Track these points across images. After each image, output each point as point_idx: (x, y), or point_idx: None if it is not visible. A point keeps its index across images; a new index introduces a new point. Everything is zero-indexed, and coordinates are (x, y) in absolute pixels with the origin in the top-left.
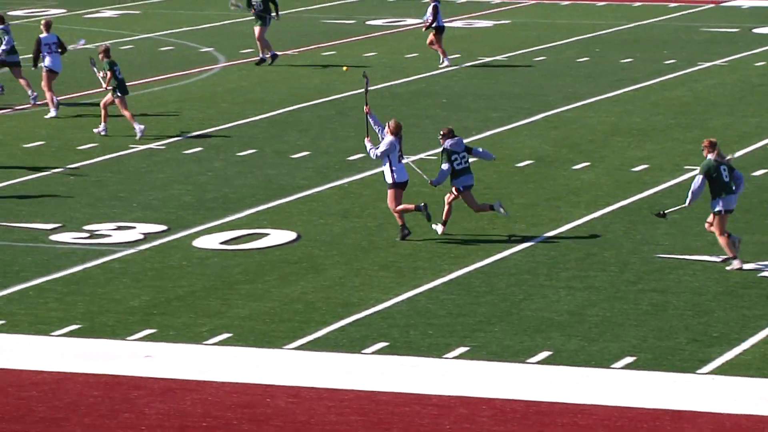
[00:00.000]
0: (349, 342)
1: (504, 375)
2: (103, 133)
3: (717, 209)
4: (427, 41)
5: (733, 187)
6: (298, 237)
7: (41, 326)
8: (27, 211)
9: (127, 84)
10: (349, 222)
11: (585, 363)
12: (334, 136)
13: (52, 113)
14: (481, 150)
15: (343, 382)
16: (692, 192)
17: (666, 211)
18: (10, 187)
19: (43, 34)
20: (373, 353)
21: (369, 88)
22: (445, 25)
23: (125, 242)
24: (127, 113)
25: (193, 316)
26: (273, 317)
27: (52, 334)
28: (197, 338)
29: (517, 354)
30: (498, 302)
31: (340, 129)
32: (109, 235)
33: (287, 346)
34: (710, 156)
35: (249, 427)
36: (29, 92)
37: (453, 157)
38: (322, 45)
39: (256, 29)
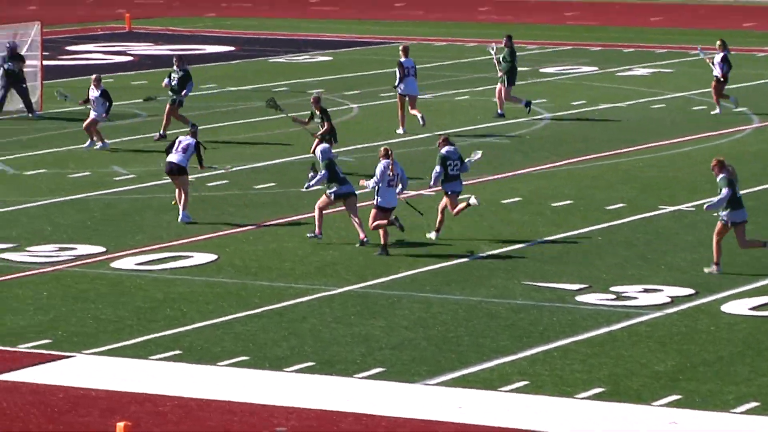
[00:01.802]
0: None
1: None
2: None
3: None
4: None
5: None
6: None
7: (565, 388)
8: (553, 271)
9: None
10: None
11: None
12: None
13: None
14: (468, 164)
15: None
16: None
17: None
18: (537, 246)
19: (402, 59)
20: None
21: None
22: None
23: (652, 305)
24: None
25: (720, 383)
26: None
27: (576, 396)
28: (723, 406)
29: None
30: None
31: None
32: (636, 297)
33: None
34: (723, 174)
35: None
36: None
37: (448, 163)
38: None
39: None
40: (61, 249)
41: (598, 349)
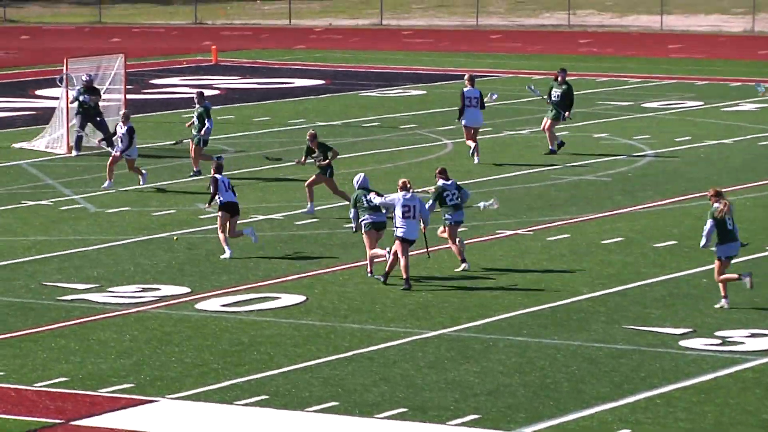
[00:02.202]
0: None
1: None
2: None
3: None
4: None
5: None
6: None
7: None
8: (656, 314)
9: None
10: None
11: None
12: None
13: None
14: (469, 192)
15: None
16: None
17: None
18: (639, 288)
19: (467, 88)
20: None
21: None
22: None
23: (760, 350)
24: None
25: None
26: None
27: None
28: None
29: None
30: None
31: None
32: (742, 343)
33: None
34: (717, 204)
35: None
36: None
37: (445, 194)
38: None
39: None
40: (144, 290)
41: (703, 397)
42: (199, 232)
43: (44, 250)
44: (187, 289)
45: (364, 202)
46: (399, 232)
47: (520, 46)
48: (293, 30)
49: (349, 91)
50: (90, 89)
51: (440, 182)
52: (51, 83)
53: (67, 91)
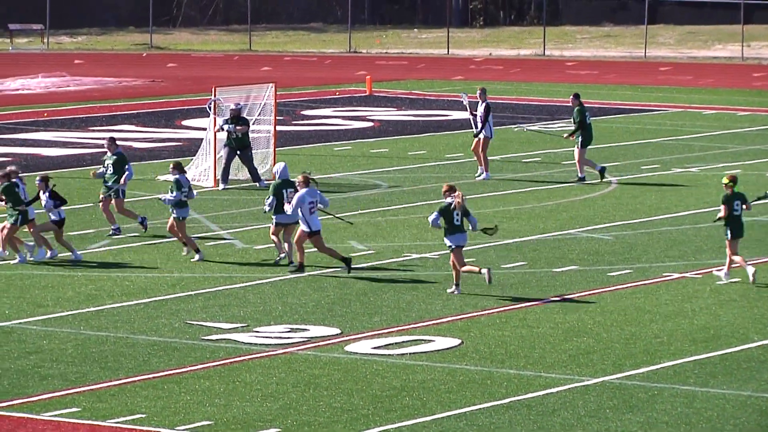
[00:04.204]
0: None
1: None
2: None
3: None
4: None
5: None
6: None
7: None
8: None
9: None
10: None
11: None
12: None
13: None
14: (474, 219)
15: None
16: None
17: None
18: None
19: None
20: None
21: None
22: None
23: None
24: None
25: None
26: None
27: None
28: None
29: None
30: None
31: None
32: None
33: None
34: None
35: None
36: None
37: (455, 213)
38: None
39: None
40: (292, 330)
41: None
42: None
43: (189, 287)
44: (337, 330)
45: (285, 196)
46: (315, 227)
47: (690, 79)
48: (451, 60)
49: (509, 125)
50: (237, 119)
51: (449, 199)
52: (198, 113)
53: (215, 119)
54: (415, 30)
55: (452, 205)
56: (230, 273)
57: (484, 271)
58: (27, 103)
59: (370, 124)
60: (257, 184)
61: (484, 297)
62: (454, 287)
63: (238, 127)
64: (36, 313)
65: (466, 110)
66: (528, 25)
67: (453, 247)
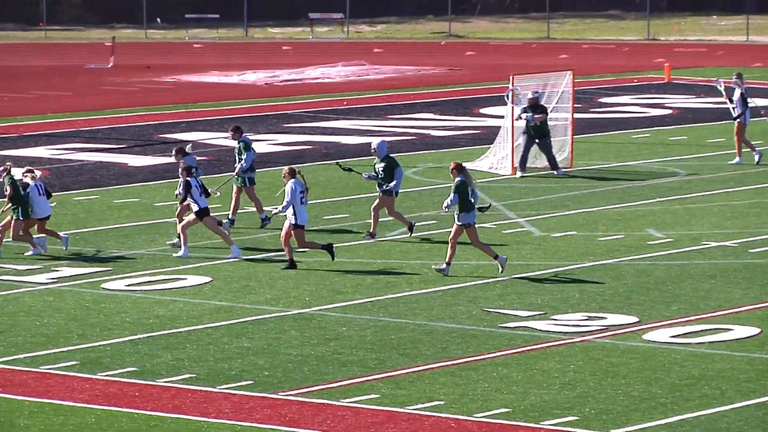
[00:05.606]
0: None
1: None
2: None
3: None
4: None
5: None
6: None
7: None
8: None
9: None
10: None
11: None
12: None
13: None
14: (477, 194)
15: None
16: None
17: None
18: None
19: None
20: None
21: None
22: None
23: None
24: None
25: None
26: None
27: None
28: None
29: None
30: None
31: None
32: None
33: None
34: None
35: None
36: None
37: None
38: None
39: None
40: (590, 318)
41: None
42: (648, 259)
43: (486, 274)
44: (635, 319)
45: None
46: (300, 220)
47: None
48: (750, 47)
49: None
50: (535, 107)
51: (459, 178)
52: (496, 101)
53: (513, 108)
54: (714, 17)
55: (465, 182)
56: (527, 261)
57: (501, 258)
58: (327, 91)
59: (669, 111)
60: (555, 172)
61: None
62: (444, 265)
63: (536, 116)
64: (335, 300)
65: (722, 96)
66: None
67: (468, 224)
